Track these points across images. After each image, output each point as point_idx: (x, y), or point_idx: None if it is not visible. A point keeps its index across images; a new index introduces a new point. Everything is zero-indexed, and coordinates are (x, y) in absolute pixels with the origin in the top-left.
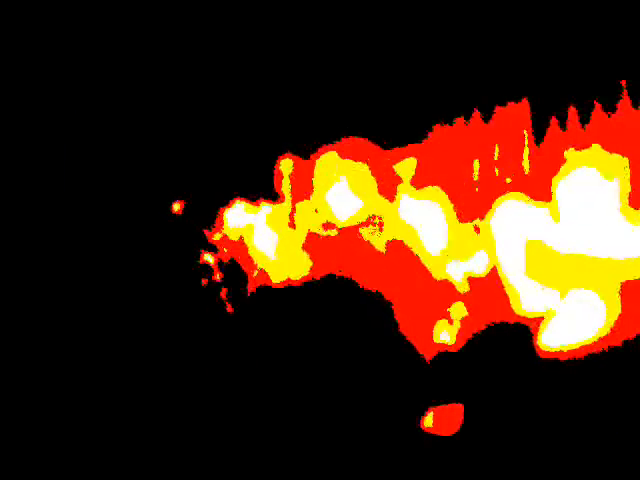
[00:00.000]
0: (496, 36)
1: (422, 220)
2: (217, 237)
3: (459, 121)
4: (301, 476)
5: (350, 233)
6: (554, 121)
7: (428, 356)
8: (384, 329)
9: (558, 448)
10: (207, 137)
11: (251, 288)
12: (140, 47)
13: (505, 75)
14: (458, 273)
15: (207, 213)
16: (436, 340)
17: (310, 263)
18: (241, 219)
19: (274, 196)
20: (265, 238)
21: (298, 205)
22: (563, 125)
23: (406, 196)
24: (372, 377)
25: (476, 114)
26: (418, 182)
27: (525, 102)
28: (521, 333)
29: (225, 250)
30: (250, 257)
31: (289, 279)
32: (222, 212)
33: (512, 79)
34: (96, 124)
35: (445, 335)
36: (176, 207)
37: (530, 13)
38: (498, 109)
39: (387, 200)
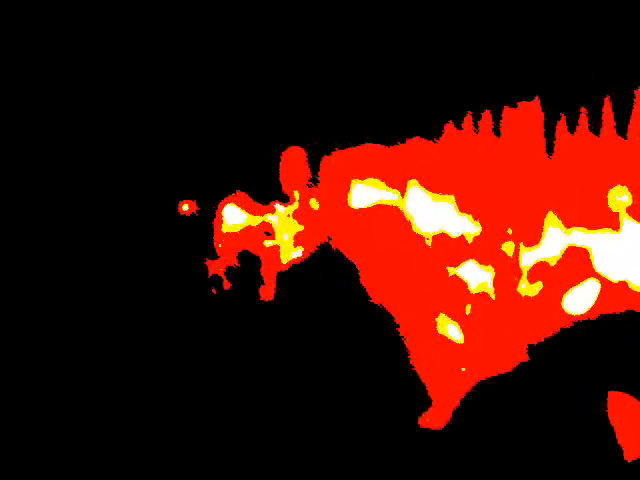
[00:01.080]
0: (505, 37)
1: (432, 218)
2: (224, 236)
3: (468, 120)
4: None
5: (362, 229)
6: (563, 121)
7: (434, 353)
8: (392, 326)
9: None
10: (218, 142)
11: (265, 284)
12: (148, 48)
13: (515, 75)
14: (473, 275)
15: (214, 212)
16: (444, 336)
17: (321, 260)
18: (249, 218)
19: (283, 196)
20: (276, 236)
21: (307, 203)
22: (573, 125)
23: (416, 195)
24: (376, 374)
25: (486, 114)
26: (430, 182)
27: (536, 101)
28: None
29: (232, 250)
30: (261, 254)
31: (300, 277)
32: (229, 211)
33: (522, 79)
34: (101, 124)
35: (454, 333)
36: (185, 207)
37: (543, 15)
38: (507, 109)
39: (398, 197)
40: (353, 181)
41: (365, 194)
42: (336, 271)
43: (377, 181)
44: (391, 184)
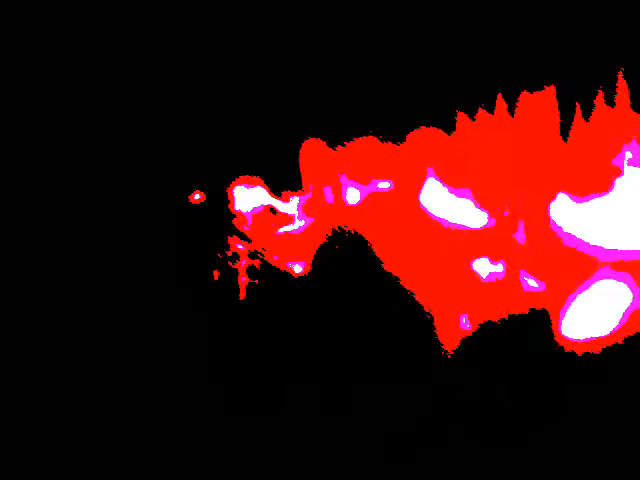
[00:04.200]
0: (516, 27)
1: (447, 210)
2: (237, 226)
3: (481, 111)
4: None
5: (376, 222)
6: (579, 110)
7: (448, 344)
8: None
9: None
10: (230, 132)
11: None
12: (156, 42)
13: (526, 65)
14: (483, 269)
15: (226, 203)
16: (455, 325)
17: (332, 253)
18: (262, 207)
19: (297, 186)
20: (289, 227)
21: (322, 194)
22: (588, 114)
23: (431, 188)
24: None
25: (500, 103)
26: (445, 174)
27: (552, 89)
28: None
29: (247, 241)
30: (274, 246)
31: (312, 269)
32: (243, 202)
33: (532, 69)
34: (110, 118)
35: (464, 323)
36: (196, 197)
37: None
38: (523, 96)
39: (412, 191)
40: (366, 173)
41: (379, 186)
42: (349, 259)
43: (390, 173)
44: (405, 176)
